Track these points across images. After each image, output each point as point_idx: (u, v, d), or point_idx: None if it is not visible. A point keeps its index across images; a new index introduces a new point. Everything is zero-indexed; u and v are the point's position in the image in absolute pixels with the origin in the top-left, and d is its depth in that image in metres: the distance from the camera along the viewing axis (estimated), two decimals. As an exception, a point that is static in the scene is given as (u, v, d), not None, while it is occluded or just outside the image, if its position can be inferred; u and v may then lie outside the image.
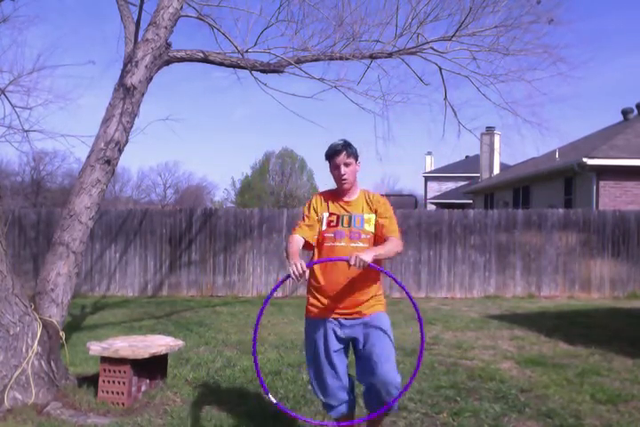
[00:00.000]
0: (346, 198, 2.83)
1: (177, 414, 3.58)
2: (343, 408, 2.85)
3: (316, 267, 2.73)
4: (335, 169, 2.77)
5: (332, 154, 2.77)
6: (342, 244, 2.70)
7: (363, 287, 2.71)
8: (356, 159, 2.81)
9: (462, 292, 10.57)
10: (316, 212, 2.80)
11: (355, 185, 2.84)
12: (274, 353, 5.42)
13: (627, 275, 10.50)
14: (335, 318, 2.72)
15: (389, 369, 2.60)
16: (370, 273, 2.68)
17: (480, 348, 5.72)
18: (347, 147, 2.76)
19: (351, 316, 2.72)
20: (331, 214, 2.78)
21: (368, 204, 2.82)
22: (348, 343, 2.79)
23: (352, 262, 2.40)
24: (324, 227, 2.76)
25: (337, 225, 2.74)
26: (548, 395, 4.04)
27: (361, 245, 2.70)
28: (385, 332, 2.71)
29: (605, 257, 10.52)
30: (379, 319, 2.74)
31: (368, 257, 2.41)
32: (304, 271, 2.40)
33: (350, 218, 2.75)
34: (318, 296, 2.75)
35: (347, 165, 2.76)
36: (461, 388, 4.21)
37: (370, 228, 2.75)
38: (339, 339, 2.74)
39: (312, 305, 2.79)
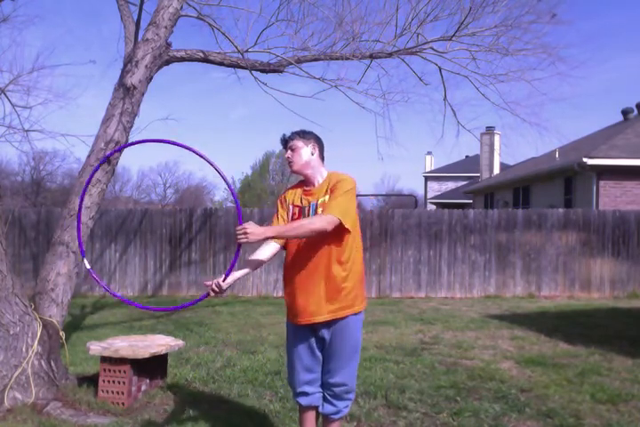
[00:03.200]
0: (307, 187, 2.67)
1: (177, 414, 3.58)
2: (317, 398, 2.71)
3: (285, 265, 2.66)
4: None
5: (283, 147, 2.75)
6: None
7: (337, 287, 2.56)
8: (307, 141, 2.67)
9: (462, 292, 10.56)
10: (288, 205, 2.68)
11: (314, 169, 2.67)
12: (274, 353, 5.43)
13: (627, 275, 10.51)
14: (308, 324, 2.61)
15: (349, 376, 2.69)
16: (346, 266, 2.55)
17: (480, 348, 5.72)
18: (291, 134, 2.71)
19: (323, 320, 2.59)
20: (294, 207, 2.64)
21: (327, 187, 2.59)
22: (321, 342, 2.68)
23: (238, 232, 2.26)
24: (289, 221, 2.63)
25: (299, 217, 2.59)
26: (548, 395, 4.04)
27: None
28: (349, 342, 2.64)
29: (605, 257, 10.52)
30: (347, 327, 2.62)
31: (259, 232, 2.26)
32: (219, 287, 2.39)
33: (309, 208, 2.58)
34: (290, 299, 2.64)
35: (292, 149, 2.67)
36: (461, 388, 4.21)
37: None
38: (315, 342, 2.66)
39: (287, 308, 2.69)
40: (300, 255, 2.59)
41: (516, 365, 4.98)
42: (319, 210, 2.54)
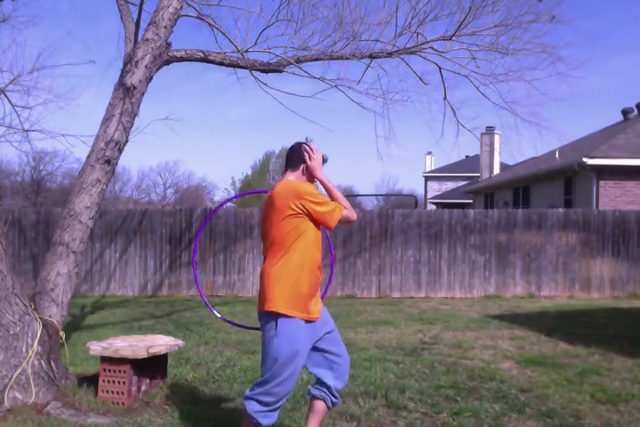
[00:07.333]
0: None
1: (177, 414, 3.58)
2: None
3: (312, 262, 2.69)
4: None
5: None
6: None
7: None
8: None
9: (462, 291, 10.57)
10: None
11: None
12: (274, 353, 5.42)
13: (627, 275, 10.51)
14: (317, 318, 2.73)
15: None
16: None
17: (480, 348, 5.72)
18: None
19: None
20: None
21: None
22: None
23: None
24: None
25: None
26: (548, 395, 4.04)
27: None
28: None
29: (605, 257, 10.53)
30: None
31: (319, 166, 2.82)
32: None
33: None
34: (311, 294, 2.69)
35: None
36: (461, 388, 4.21)
37: None
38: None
39: (308, 305, 2.66)
40: (318, 252, 2.77)
41: (516, 365, 4.98)
42: None
